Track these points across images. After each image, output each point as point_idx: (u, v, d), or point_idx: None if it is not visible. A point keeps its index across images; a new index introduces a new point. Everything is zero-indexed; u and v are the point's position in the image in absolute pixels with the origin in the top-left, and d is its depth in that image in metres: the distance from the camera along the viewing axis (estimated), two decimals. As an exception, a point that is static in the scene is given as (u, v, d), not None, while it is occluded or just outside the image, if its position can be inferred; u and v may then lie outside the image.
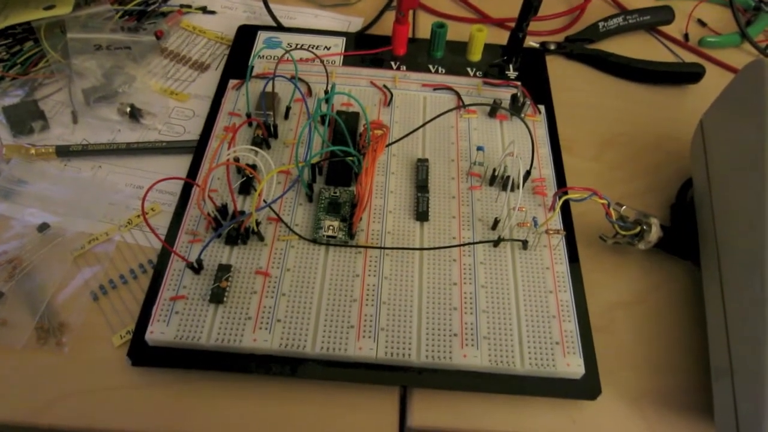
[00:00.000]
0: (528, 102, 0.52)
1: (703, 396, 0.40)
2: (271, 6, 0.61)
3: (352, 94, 0.52)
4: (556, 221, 0.46)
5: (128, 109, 0.52)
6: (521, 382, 0.39)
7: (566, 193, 0.44)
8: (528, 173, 0.47)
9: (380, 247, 0.43)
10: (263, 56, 0.56)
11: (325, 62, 0.54)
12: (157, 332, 0.38)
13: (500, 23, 0.65)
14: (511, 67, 0.57)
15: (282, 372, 0.38)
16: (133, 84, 0.54)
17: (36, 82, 0.54)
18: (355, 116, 0.50)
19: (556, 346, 0.39)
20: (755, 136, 0.39)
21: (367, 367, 0.39)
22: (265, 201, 0.42)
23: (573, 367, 0.39)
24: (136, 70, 0.55)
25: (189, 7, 0.63)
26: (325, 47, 0.58)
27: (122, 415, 0.38)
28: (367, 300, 0.40)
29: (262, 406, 0.38)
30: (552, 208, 0.46)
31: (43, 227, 0.45)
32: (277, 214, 0.44)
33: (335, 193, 0.45)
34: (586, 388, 0.39)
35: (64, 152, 0.49)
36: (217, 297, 0.40)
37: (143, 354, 0.39)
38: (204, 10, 0.64)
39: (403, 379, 0.39)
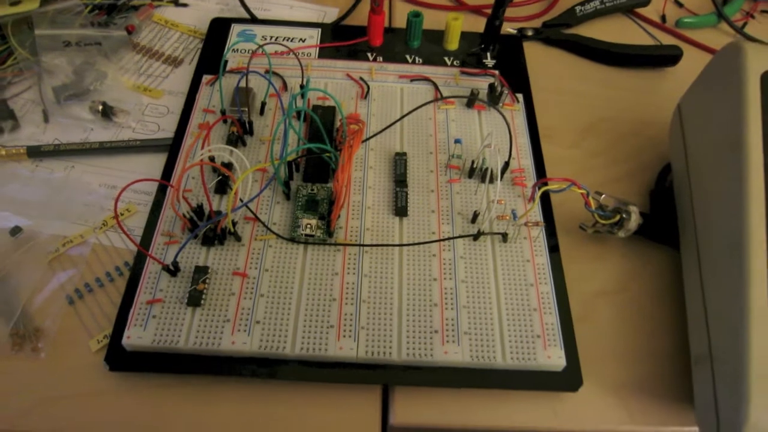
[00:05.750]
0: (506, 91, 0.51)
1: (684, 383, 0.41)
2: (245, -3, 0.60)
3: (328, 87, 0.52)
4: (535, 212, 0.46)
5: (100, 107, 0.51)
6: (503, 377, 0.39)
7: (545, 184, 0.44)
8: (507, 164, 0.47)
9: (359, 245, 0.43)
10: (237, 50, 0.56)
11: (300, 55, 0.54)
12: (134, 337, 0.38)
13: (477, 10, 0.65)
14: (488, 55, 0.57)
15: (262, 374, 0.38)
16: (105, 81, 0.53)
17: (4, 80, 0.53)
18: (332, 110, 0.50)
19: (537, 339, 0.39)
20: (732, 120, 0.39)
21: (348, 366, 0.39)
22: (241, 200, 0.42)
23: (554, 359, 0.39)
24: (108, 67, 0.54)
25: (160, -1, 0.62)
26: (300, 39, 0.57)
27: (101, 420, 0.37)
28: (346, 299, 0.40)
29: (243, 408, 0.38)
30: (531, 199, 0.46)
31: (16, 231, 0.44)
32: (254, 214, 0.44)
33: (313, 190, 0.45)
34: (568, 380, 0.39)
35: (36, 153, 0.48)
36: (194, 300, 0.39)
37: (121, 359, 0.38)
38: (176, 2, 0.62)
39: (385, 377, 0.39)
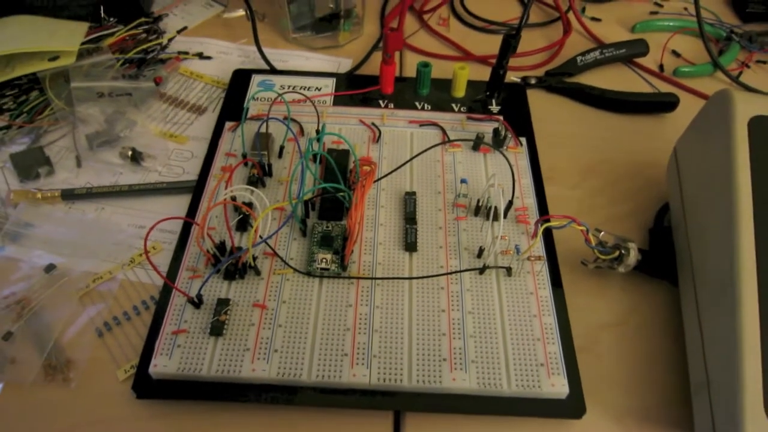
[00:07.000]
0: (509, 135, 0.54)
1: (684, 410, 0.42)
2: (264, 50, 0.64)
3: (342, 132, 0.55)
4: (538, 248, 0.48)
5: (130, 153, 0.54)
6: (509, 404, 0.40)
7: (547, 221, 0.46)
8: (510, 203, 0.49)
9: (371, 278, 0.45)
10: (257, 98, 0.59)
11: (315, 103, 0.57)
12: (161, 365, 0.40)
13: (483, 60, 0.68)
14: (493, 101, 0.60)
15: (280, 400, 0.40)
16: (134, 128, 0.57)
17: (41, 129, 0.57)
18: (346, 153, 0.52)
19: (540, 368, 0.41)
20: (723, 161, 0.41)
21: (362, 393, 0.40)
22: (261, 237, 0.44)
23: (558, 387, 0.40)
24: (137, 115, 0.58)
25: (186, 53, 0.66)
26: (316, 88, 0.60)
27: (128, 445, 0.39)
28: (359, 328, 0.42)
29: (262, 433, 0.40)
30: (534, 235, 0.48)
31: (50, 268, 0.47)
32: (273, 249, 0.46)
33: (327, 227, 0.47)
34: (572, 407, 0.40)
35: (69, 195, 0.51)
36: (216, 330, 0.41)
37: (147, 387, 0.40)
38: (200, 55, 0.66)
39: (396, 403, 0.40)
